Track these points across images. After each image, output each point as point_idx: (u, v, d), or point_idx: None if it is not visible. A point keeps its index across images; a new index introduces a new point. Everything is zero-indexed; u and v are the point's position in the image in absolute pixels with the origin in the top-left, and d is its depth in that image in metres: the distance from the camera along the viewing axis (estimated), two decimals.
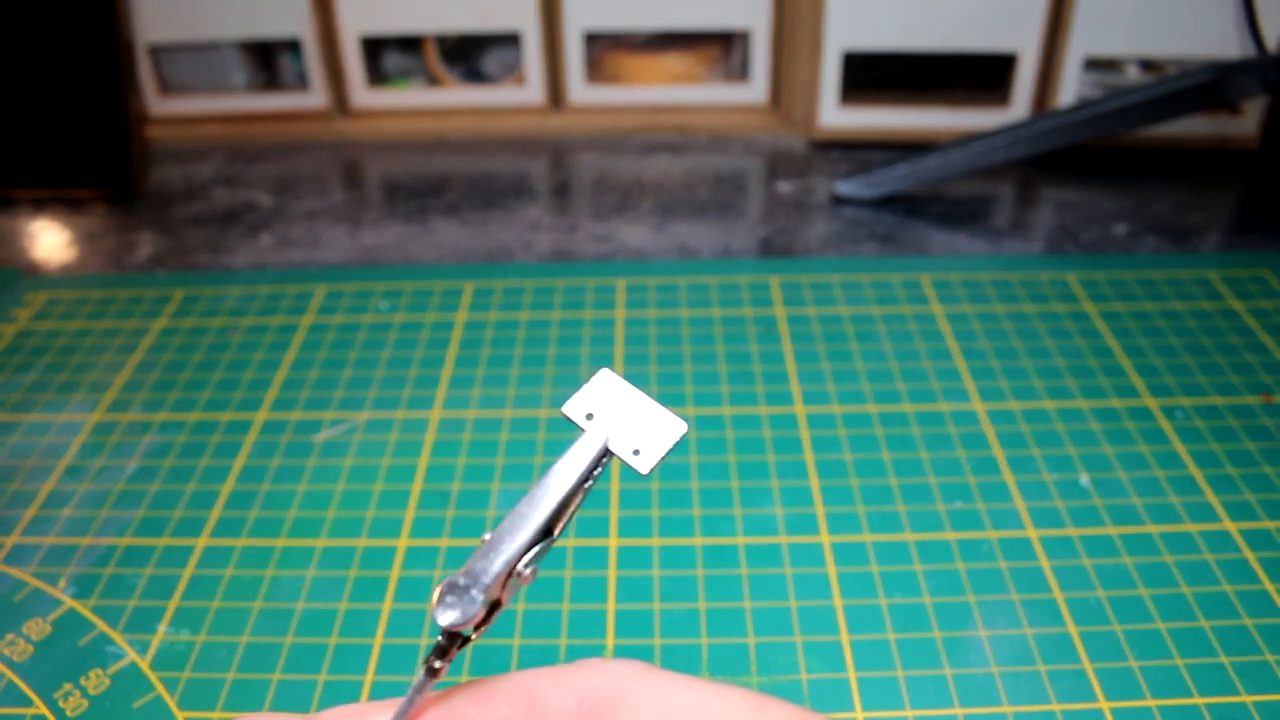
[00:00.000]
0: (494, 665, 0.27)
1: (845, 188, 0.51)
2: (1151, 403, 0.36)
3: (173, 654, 0.28)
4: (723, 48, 0.59)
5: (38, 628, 0.28)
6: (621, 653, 0.27)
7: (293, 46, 0.58)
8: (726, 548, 0.30)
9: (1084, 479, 0.33)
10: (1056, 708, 0.26)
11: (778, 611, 0.28)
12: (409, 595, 0.29)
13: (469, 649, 0.27)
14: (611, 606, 0.29)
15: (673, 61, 0.58)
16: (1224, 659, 0.27)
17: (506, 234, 0.49)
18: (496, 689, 0.15)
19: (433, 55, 0.58)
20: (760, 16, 0.56)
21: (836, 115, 0.56)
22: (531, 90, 0.58)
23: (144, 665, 0.27)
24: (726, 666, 0.27)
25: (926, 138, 0.54)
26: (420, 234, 0.49)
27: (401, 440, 0.35)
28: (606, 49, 0.59)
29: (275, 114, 0.59)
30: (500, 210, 0.51)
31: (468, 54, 0.60)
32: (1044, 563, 0.30)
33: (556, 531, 0.16)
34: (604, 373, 0.16)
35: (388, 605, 0.29)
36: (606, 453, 0.16)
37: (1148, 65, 0.54)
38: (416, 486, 0.33)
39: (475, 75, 0.60)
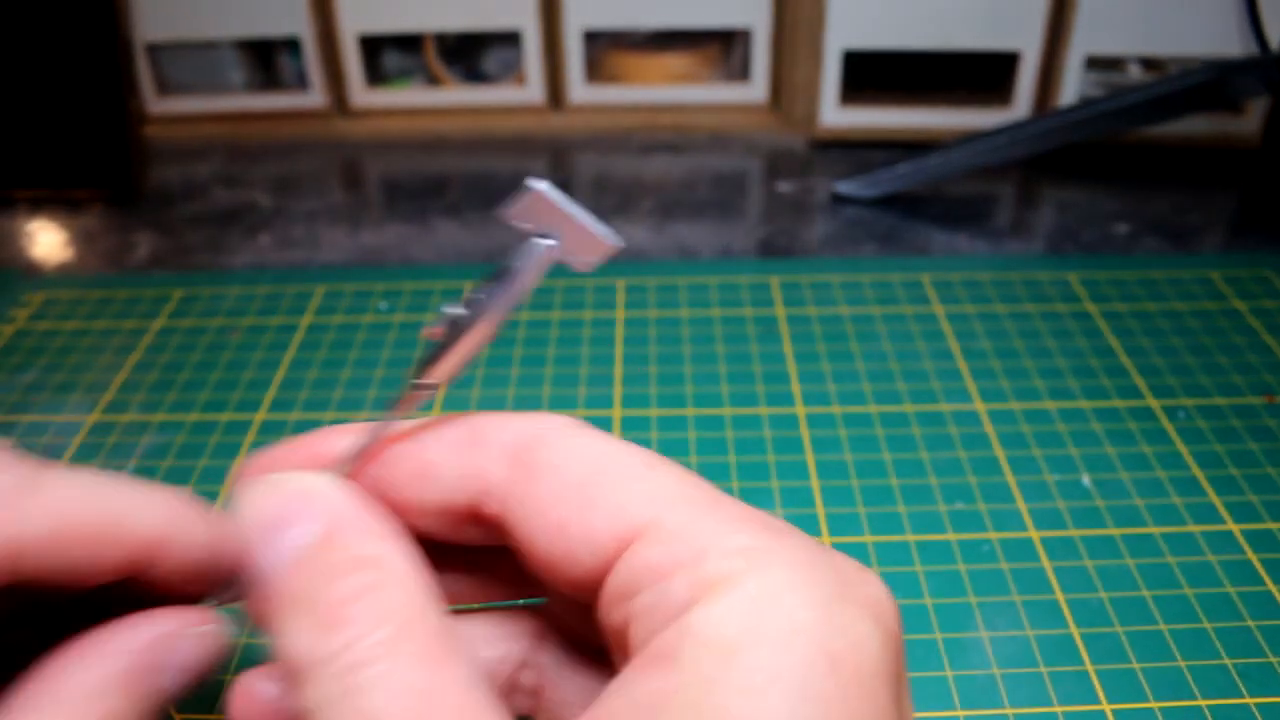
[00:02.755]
0: None
1: (845, 187, 0.51)
2: (1154, 403, 0.36)
3: None
4: (723, 47, 0.59)
5: None
6: None
7: (292, 46, 0.58)
8: None
9: (1086, 480, 0.33)
10: (1058, 709, 0.25)
11: None
12: None
13: None
14: None
15: (672, 61, 0.58)
16: (1227, 660, 0.26)
17: (506, 234, 0.49)
18: (449, 421, 0.18)
19: (432, 54, 0.58)
20: (760, 15, 0.55)
21: (837, 115, 0.55)
22: (531, 90, 0.58)
23: None
24: None
25: (927, 137, 0.54)
26: (420, 234, 0.49)
27: None
28: (606, 48, 0.59)
29: (274, 113, 0.59)
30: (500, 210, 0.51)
31: (467, 53, 0.59)
32: (1045, 564, 0.29)
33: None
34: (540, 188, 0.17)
35: None
36: (548, 258, 0.17)
37: (1149, 64, 0.54)
38: None
39: (475, 75, 0.60)
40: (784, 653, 0.13)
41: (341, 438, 0.18)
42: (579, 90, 0.58)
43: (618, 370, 0.38)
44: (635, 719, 0.13)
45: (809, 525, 0.31)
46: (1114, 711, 0.25)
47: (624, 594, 0.15)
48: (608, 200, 0.52)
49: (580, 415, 0.36)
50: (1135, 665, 0.26)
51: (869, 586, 0.14)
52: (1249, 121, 0.53)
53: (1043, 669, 0.26)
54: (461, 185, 0.54)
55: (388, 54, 0.59)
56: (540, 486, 0.16)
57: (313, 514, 0.16)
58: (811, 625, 0.13)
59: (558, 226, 0.17)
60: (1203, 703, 0.25)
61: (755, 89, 0.58)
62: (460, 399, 0.37)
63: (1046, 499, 0.32)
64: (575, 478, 0.16)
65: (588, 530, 0.15)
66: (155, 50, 0.57)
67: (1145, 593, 0.29)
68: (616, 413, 0.36)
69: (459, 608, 0.20)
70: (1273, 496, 0.32)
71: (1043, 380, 0.37)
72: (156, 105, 0.58)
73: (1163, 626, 0.27)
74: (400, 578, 0.15)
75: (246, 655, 0.27)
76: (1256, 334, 0.39)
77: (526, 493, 0.16)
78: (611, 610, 0.15)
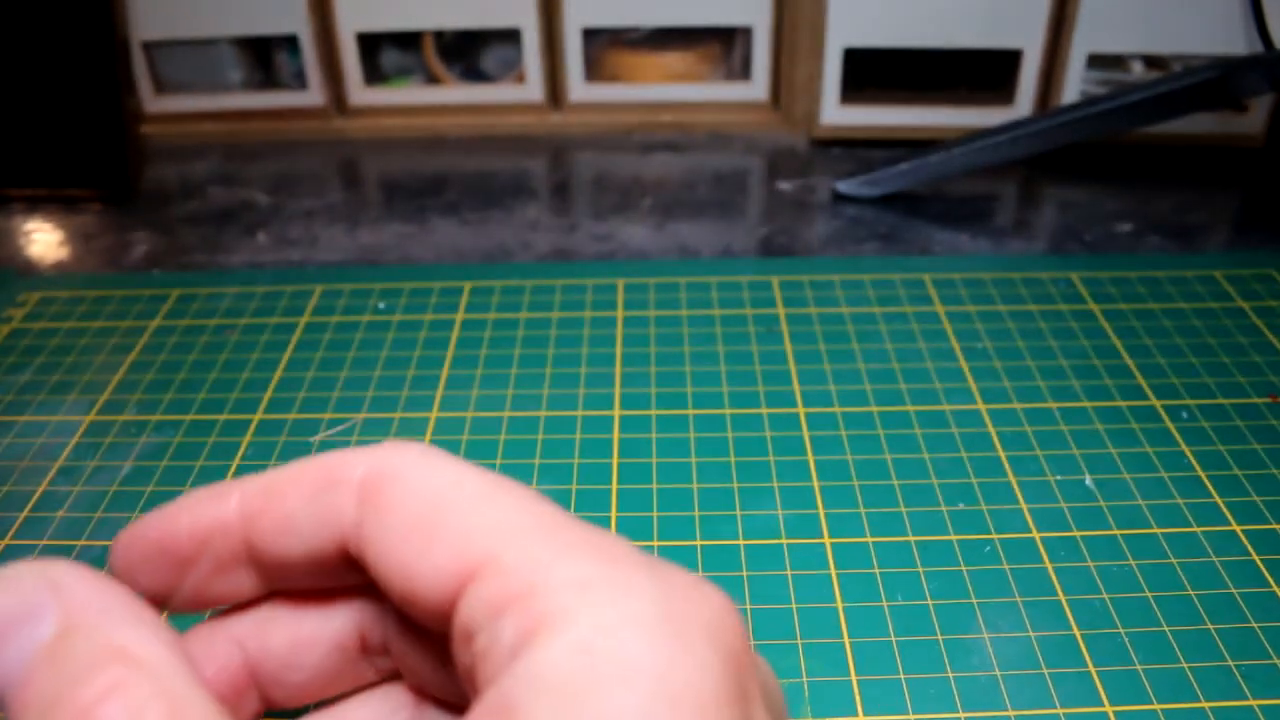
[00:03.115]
0: None
1: (846, 186, 0.51)
2: (1157, 403, 0.36)
3: None
4: (723, 45, 0.58)
5: None
6: None
7: (290, 44, 0.57)
8: (727, 549, 0.30)
9: (1088, 480, 0.32)
10: (1060, 711, 0.25)
11: (779, 613, 0.28)
12: None
13: None
14: None
15: (673, 59, 0.58)
16: (1230, 662, 0.26)
17: (505, 233, 0.48)
18: (304, 466, 0.17)
19: (431, 53, 0.58)
20: (761, 13, 0.55)
21: (838, 113, 0.55)
22: (531, 88, 0.58)
23: None
24: None
25: (929, 136, 0.54)
26: (418, 233, 0.49)
27: None
28: (606, 46, 0.58)
29: (272, 112, 0.58)
30: (499, 209, 0.51)
31: (466, 52, 0.59)
32: (1047, 565, 0.29)
33: None
34: None
35: None
36: None
37: (1152, 63, 0.54)
38: None
39: (474, 73, 0.59)
40: (622, 695, 0.12)
41: (214, 503, 0.17)
42: (579, 89, 0.58)
43: (618, 370, 0.38)
44: None
45: (810, 526, 0.31)
46: (1116, 713, 0.25)
47: (467, 635, 0.14)
48: (607, 199, 0.51)
49: (580, 415, 0.36)
50: (1138, 667, 0.26)
51: (704, 605, 0.14)
52: (1253, 120, 0.53)
53: (1045, 670, 0.26)
54: (461, 184, 0.53)
55: (386, 52, 0.59)
56: (385, 524, 0.16)
57: (51, 607, 0.14)
58: (647, 661, 0.13)
59: None
60: (1206, 704, 0.25)
61: (756, 87, 0.58)
62: (460, 399, 0.37)
63: (1049, 499, 0.32)
64: (417, 513, 0.15)
65: (430, 568, 0.15)
66: (152, 49, 0.57)
67: (1148, 594, 0.28)
68: (616, 412, 0.36)
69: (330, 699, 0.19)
70: (1277, 497, 0.32)
71: (1045, 380, 0.37)
72: (154, 104, 0.58)
73: (1166, 628, 0.27)
74: (153, 668, 0.14)
75: None
76: (1260, 333, 0.39)
77: (373, 531, 0.16)
78: (460, 653, 0.15)
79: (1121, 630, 0.27)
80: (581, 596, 0.13)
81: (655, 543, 0.30)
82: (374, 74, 0.58)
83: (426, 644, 0.18)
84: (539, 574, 0.14)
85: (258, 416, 0.36)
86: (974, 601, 0.28)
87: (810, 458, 0.33)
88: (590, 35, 0.57)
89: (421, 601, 0.15)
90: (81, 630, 0.14)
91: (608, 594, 0.14)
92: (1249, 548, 0.30)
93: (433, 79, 0.59)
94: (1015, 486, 0.32)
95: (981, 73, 0.55)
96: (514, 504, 0.15)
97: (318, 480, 0.16)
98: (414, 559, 0.15)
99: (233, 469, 0.34)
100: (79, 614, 0.14)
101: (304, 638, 0.18)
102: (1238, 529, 0.30)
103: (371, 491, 0.16)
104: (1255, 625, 0.27)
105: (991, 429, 0.35)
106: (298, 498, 0.17)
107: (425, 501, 0.15)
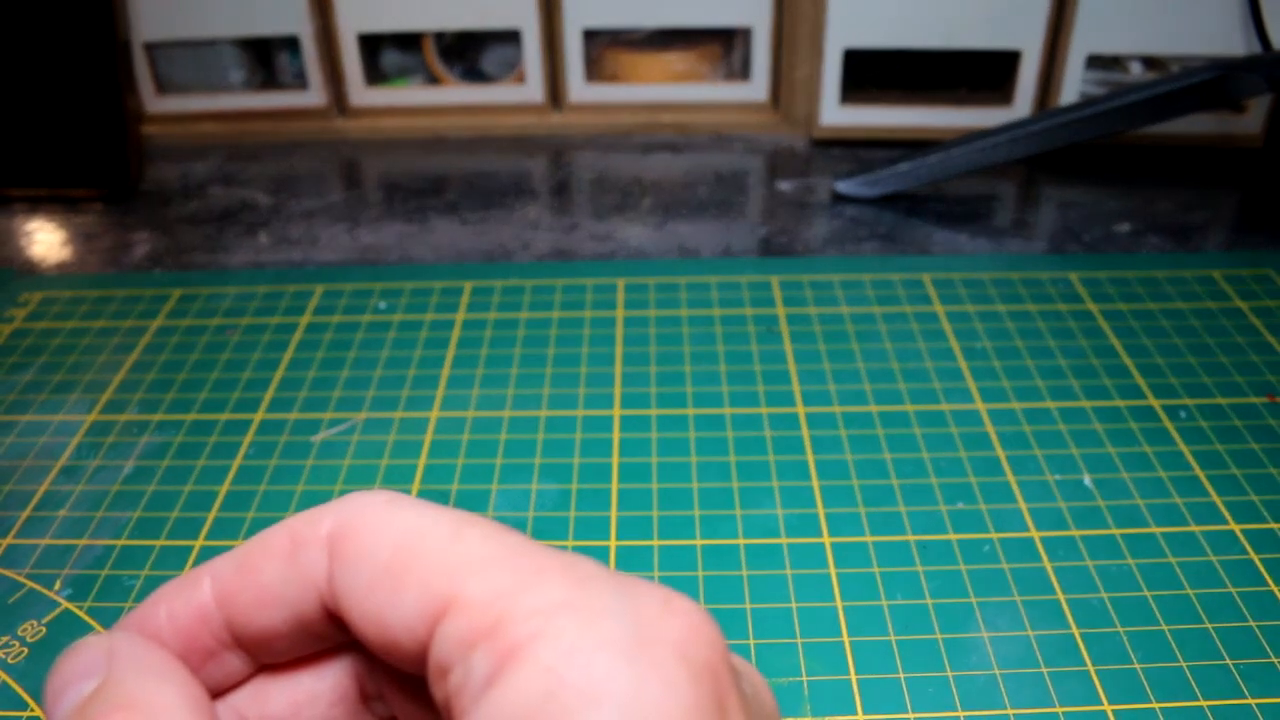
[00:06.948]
0: None
1: (846, 187, 0.51)
2: (1155, 403, 0.36)
3: None
4: (723, 46, 0.58)
5: (33, 630, 0.28)
6: None
7: (291, 44, 0.57)
8: (727, 548, 0.30)
9: (1087, 480, 0.32)
10: (1059, 710, 0.25)
11: (778, 612, 0.28)
12: None
13: None
14: None
15: (673, 59, 0.58)
16: (1228, 661, 0.26)
17: (505, 233, 0.48)
18: (270, 535, 0.17)
19: (432, 53, 0.58)
20: (761, 14, 0.55)
21: (837, 114, 0.55)
22: (531, 88, 0.58)
23: None
24: None
25: (928, 136, 0.54)
26: (419, 233, 0.49)
27: (400, 441, 0.35)
28: (606, 47, 0.58)
29: (273, 112, 0.58)
30: (499, 209, 0.51)
31: (467, 52, 0.59)
32: (1046, 564, 0.29)
33: None
34: None
35: None
36: None
37: (1151, 63, 0.54)
38: (415, 487, 0.33)
39: (474, 74, 0.59)
40: (590, 719, 0.13)
41: (187, 592, 0.18)
42: (579, 89, 0.58)
43: (618, 370, 0.38)
44: None
45: (810, 525, 0.31)
46: (1115, 712, 0.25)
47: (441, 673, 0.14)
48: (607, 199, 0.52)
49: (580, 415, 0.36)
50: (1137, 666, 0.26)
51: (675, 621, 0.14)
52: (1251, 120, 0.53)
53: (1044, 669, 0.26)
54: (461, 184, 0.53)
55: (387, 53, 0.59)
56: (354, 575, 0.16)
57: (101, 668, 0.16)
58: (614, 683, 0.13)
59: None
60: (1204, 703, 0.25)
61: (756, 88, 0.58)
62: (460, 398, 0.37)
63: (1047, 499, 0.32)
64: (384, 559, 0.16)
65: (401, 612, 0.15)
66: (154, 49, 0.57)
67: (1146, 593, 0.28)
68: (616, 412, 0.36)
69: None
70: (1274, 496, 0.32)
71: (1044, 380, 0.37)
72: (155, 104, 0.58)
73: (1164, 627, 0.27)
74: (158, 715, 0.15)
75: None
76: (1258, 333, 0.39)
77: (344, 584, 0.16)
78: (437, 691, 0.15)
79: (1120, 629, 0.27)
80: (549, 623, 0.14)
81: (655, 542, 0.30)
82: (374, 74, 0.59)
83: (411, 688, 0.18)
84: (506, 604, 0.14)
85: (259, 416, 0.36)
86: (973, 601, 0.28)
87: (810, 457, 0.34)
88: (590, 36, 0.57)
89: (397, 647, 0.15)
90: (110, 684, 0.16)
91: (575, 618, 0.14)
92: (1247, 547, 0.30)
93: (433, 79, 0.59)
94: (1014, 486, 0.32)
95: (981, 73, 0.55)
96: (479, 538, 0.15)
97: (287, 545, 0.17)
98: (384, 605, 0.15)
99: (234, 468, 0.34)
100: (115, 672, 0.16)
101: (302, 698, 0.18)
102: (1236, 528, 0.30)
103: (339, 544, 0.16)
104: (1254, 624, 0.27)
105: (990, 428, 0.35)
106: (271, 567, 0.17)
107: (391, 547, 0.16)
